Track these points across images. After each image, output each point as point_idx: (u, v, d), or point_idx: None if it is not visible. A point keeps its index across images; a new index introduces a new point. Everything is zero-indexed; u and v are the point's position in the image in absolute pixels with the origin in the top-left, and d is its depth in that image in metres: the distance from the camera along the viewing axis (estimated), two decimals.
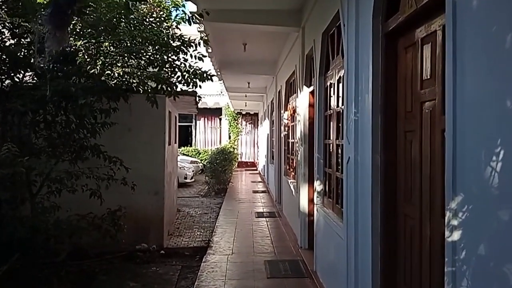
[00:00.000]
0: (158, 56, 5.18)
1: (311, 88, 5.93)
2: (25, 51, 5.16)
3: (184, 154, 20.27)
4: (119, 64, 4.81)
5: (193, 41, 5.58)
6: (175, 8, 5.48)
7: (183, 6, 5.46)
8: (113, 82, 4.76)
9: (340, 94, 4.22)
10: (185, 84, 5.51)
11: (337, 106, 4.39)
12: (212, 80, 5.38)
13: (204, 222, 8.87)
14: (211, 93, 21.46)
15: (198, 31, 6.26)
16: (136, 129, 6.69)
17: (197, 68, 5.44)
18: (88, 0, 4.11)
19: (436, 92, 2.23)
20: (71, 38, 4.56)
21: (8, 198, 4.44)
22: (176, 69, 5.45)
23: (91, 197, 5.12)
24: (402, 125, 2.72)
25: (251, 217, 9.28)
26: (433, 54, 2.28)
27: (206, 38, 5.95)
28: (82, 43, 4.49)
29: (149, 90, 5.00)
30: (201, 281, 5.07)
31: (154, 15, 5.38)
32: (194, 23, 5.61)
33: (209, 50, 7.77)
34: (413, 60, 2.56)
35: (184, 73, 5.39)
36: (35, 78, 5.23)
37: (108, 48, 4.78)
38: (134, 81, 5.00)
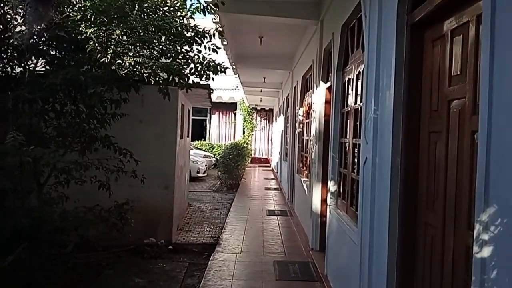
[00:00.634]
0: (171, 46, 5.01)
1: (328, 84, 5.71)
2: (37, 38, 5.06)
3: (197, 148, 20.22)
4: (130, 54, 4.65)
5: (207, 31, 5.40)
6: None
7: None
8: (124, 72, 4.61)
9: (359, 91, 4.00)
10: (198, 76, 5.34)
11: (355, 103, 4.17)
12: (225, 73, 5.19)
13: (214, 218, 8.73)
14: (227, 87, 21.33)
15: (213, 22, 6.09)
16: (147, 121, 6.58)
17: (210, 60, 5.26)
18: None
19: (466, 90, 2.01)
20: (81, 25, 4.41)
21: (13, 188, 4.34)
22: (189, 61, 5.28)
23: (100, 189, 5.03)
24: (426, 125, 2.50)
25: (262, 214, 9.11)
26: (464, 47, 2.06)
27: (221, 29, 5.77)
28: (92, 30, 4.35)
29: (161, 82, 4.84)
30: (207, 280, 4.91)
31: (169, 3, 5.18)
32: (209, 13, 5.44)
33: (225, 43, 7.60)
34: (440, 54, 2.34)
35: (197, 65, 5.22)
36: (47, 66, 5.14)
37: (120, 37, 4.63)
38: (146, 71, 4.85)
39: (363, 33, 3.61)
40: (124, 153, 5.15)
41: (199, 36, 5.28)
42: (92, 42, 4.38)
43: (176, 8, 5.18)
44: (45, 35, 4.94)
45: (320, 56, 6.10)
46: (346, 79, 4.63)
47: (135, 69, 4.61)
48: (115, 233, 4.97)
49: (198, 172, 15.19)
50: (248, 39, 8.40)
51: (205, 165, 16.07)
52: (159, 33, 4.89)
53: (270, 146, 23.29)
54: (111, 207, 5.07)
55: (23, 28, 5.00)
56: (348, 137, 4.46)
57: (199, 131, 22.45)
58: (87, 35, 4.44)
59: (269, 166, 21.68)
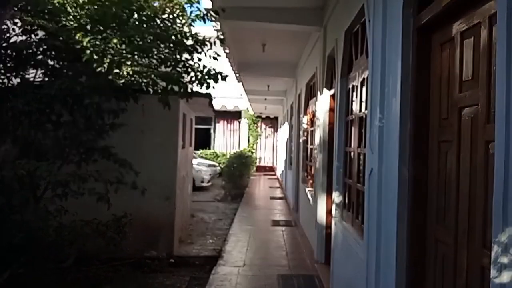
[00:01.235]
0: (170, 55, 4.89)
1: (332, 91, 5.56)
2: (35, 48, 4.96)
3: (202, 157, 20.09)
4: (128, 63, 4.54)
5: (208, 39, 5.29)
6: (189, 5, 5.14)
7: (198, 2, 5.13)
8: (122, 82, 4.50)
9: (364, 98, 3.85)
10: (198, 85, 5.23)
11: (360, 110, 4.01)
12: (225, 81, 5.07)
13: (217, 229, 8.56)
14: (231, 96, 21.26)
15: (215, 30, 5.98)
16: (148, 131, 6.46)
17: (211, 68, 5.14)
18: None
19: (479, 96, 1.85)
20: (78, 35, 4.31)
21: (7, 202, 4.22)
22: (189, 69, 5.16)
23: (98, 201, 4.90)
24: (436, 134, 2.34)
25: (266, 225, 8.92)
26: (476, 50, 1.90)
27: (222, 37, 5.66)
28: (88, 39, 4.24)
29: (159, 91, 4.72)
30: None
31: (168, 11, 5.08)
32: (209, 20, 5.34)
33: (227, 51, 7.50)
34: (450, 58, 2.18)
35: (198, 73, 5.10)
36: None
37: (118, 46, 4.53)
38: (145, 80, 4.73)
39: (367, 38, 3.47)
40: (124, 164, 5.04)
41: (199, 44, 5.17)
42: (88, 52, 4.27)
43: (176, 15, 5.08)
44: (42, 45, 4.85)
45: (323, 62, 5.96)
46: (350, 86, 4.48)
47: (133, 78, 4.49)
48: (112, 247, 4.82)
49: (202, 182, 15.03)
50: (251, 47, 8.28)
51: (210, 174, 15.92)
52: (158, 41, 4.78)
53: (275, 155, 23.12)
54: (108, 220, 4.92)
55: (20, 38, 4.93)
56: (352, 146, 4.30)
57: (203, 140, 22.36)
58: (84, 44, 4.34)
59: (274, 175, 21.49)
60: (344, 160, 4.65)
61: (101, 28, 4.37)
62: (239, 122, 23.06)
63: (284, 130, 16.19)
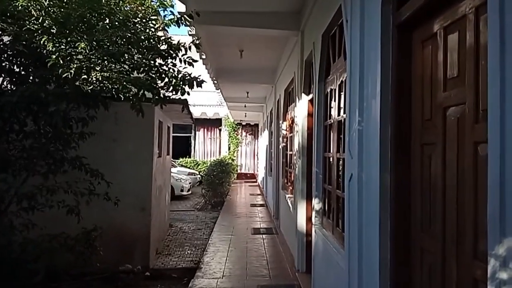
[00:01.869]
0: (142, 60, 4.68)
1: (310, 96, 5.44)
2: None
3: (182, 166, 19.79)
4: (97, 68, 4.31)
5: (182, 44, 5.09)
6: (162, 9, 4.95)
7: (172, 6, 4.94)
8: (90, 88, 4.26)
9: (342, 101, 3.72)
10: (173, 91, 5.02)
11: (338, 114, 3.88)
12: (201, 86, 4.87)
13: (196, 239, 8.32)
14: (211, 103, 21.07)
15: (189, 35, 5.80)
16: (122, 140, 6.22)
17: (185, 73, 4.94)
18: None
19: (465, 95, 1.72)
20: (43, 38, 4.06)
21: None
22: (163, 75, 4.95)
23: (68, 214, 4.64)
24: (418, 136, 2.21)
25: (247, 233, 8.72)
26: (462, 45, 1.78)
27: (197, 42, 5.47)
28: (52, 43, 4.00)
29: (131, 97, 4.49)
30: None
31: (140, 15, 4.87)
32: (184, 25, 5.15)
33: (203, 57, 7.32)
34: (432, 56, 2.06)
35: (172, 79, 4.90)
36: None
37: (86, 50, 4.31)
38: (115, 86, 4.50)
39: (345, 40, 3.35)
40: (96, 175, 4.81)
41: (173, 49, 4.97)
42: (54, 56, 4.03)
43: (148, 19, 4.88)
44: (7, 50, 4.58)
45: (301, 67, 5.84)
46: (328, 89, 4.36)
47: (101, 84, 4.26)
48: (81, 262, 4.56)
49: (182, 190, 14.77)
50: (228, 53, 8.12)
51: (189, 183, 15.67)
52: (129, 46, 4.56)
53: (256, 162, 22.96)
54: (78, 234, 4.65)
55: None
56: (332, 151, 4.16)
57: (184, 148, 22.08)
58: (49, 48, 4.09)
59: (256, 182, 21.30)
60: (324, 166, 4.52)
61: (67, 31, 4.12)
62: (220, 130, 22.87)
63: (264, 137, 16.06)
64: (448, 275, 1.85)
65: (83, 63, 4.19)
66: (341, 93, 3.76)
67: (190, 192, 15.42)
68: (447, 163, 1.88)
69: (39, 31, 4.14)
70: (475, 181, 1.63)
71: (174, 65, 5.08)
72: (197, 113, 20.48)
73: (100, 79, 4.28)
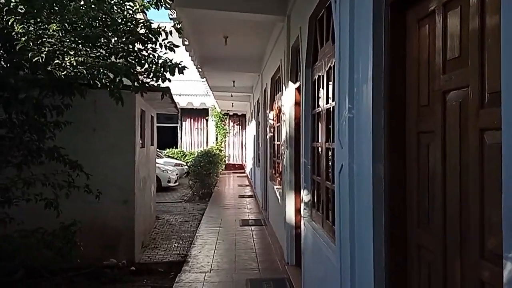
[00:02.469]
0: (118, 44, 4.42)
1: (297, 84, 5.25)
2: None
3: (168, 156, 19.52)
4: (71, 52, 4.06)
5: (162, 28, 4.84)
6: None
7: None
8: (63, 74, 4.01)
9: (331, 88, 3.54)
10: (154, 78, 4.78)
11: (327, 102, 3.70)
12: (183, 73, 4.64)
13: (183, 231, 8.14)
14: (197, 93, 20.74)
15: (170, 19, 5.54)
16: (102, 129, 5.97)
17: (166, 59, 4.71)
18: None
19: (469, 77, 1.54)
20: (10, 19, 3.78)
21: None
22: (143, 61, 4.71)
23: (47, 208, 4.41)
24: (414, 124, 2.03)
25: (235, 225, 8.56)
26: (465, 21, 1.60)
27: (179, 26, 5.22)
28: (20, 25, 3.72)
29: (107, 84, 4.25)
30: None
31: None
32: (164, 8, 4.90)
33: (186, 43, 7.05)
34: (430, 36, 1.87)
35: (151, 65, 4.66)
36: None
37: (60, 33, 4.04)
38: (91, 72, 4.25)
39: (333, 23, 3.15)
40: (75, 166, 4.59)
41: (152, 33, 4.72)
42: (23, 39, 3.76)
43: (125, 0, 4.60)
44: None
45: (288, 54, 5.63)
46: (316, 76, 4.17)
47: (76, 70, 4.01)
48: (59, 258, 4.35)
49: (169, 182, 14.55)
50: (213, 39, 7.85)
51: (176, 174, 15.43)
52: (104, 29, 4.30)
53: (244, 152, 22.77)
54: (55, 229, 4.43)
55: None
56: (320, 141, 3.99)
57: (170, 139, 21.78)
58: (18, 30, 3.82)
59: (244, 173, 21.14)
60: (312, 156, 4.35)
61: (35, 10, 3.84)
62: (206, 120, 22.59)
63: (252, 127, 15.85)
64: (450, 276, 1.69)
65: (55, 47, 3.94)
66: (330, 79, 3.58)
67: (177, 183, 15.20)
68: (448, 153, 1.71)
69: (4, 10, 3.86)
70: (481, 172, 1.46)
71: (154, 50, 4.83)
72: (183, 103, 20.16)
73: (74, 64, 4.04)
